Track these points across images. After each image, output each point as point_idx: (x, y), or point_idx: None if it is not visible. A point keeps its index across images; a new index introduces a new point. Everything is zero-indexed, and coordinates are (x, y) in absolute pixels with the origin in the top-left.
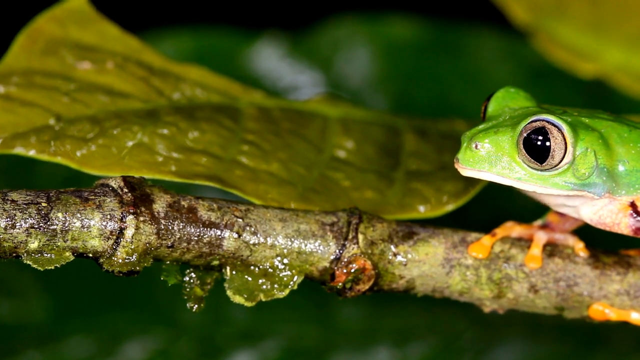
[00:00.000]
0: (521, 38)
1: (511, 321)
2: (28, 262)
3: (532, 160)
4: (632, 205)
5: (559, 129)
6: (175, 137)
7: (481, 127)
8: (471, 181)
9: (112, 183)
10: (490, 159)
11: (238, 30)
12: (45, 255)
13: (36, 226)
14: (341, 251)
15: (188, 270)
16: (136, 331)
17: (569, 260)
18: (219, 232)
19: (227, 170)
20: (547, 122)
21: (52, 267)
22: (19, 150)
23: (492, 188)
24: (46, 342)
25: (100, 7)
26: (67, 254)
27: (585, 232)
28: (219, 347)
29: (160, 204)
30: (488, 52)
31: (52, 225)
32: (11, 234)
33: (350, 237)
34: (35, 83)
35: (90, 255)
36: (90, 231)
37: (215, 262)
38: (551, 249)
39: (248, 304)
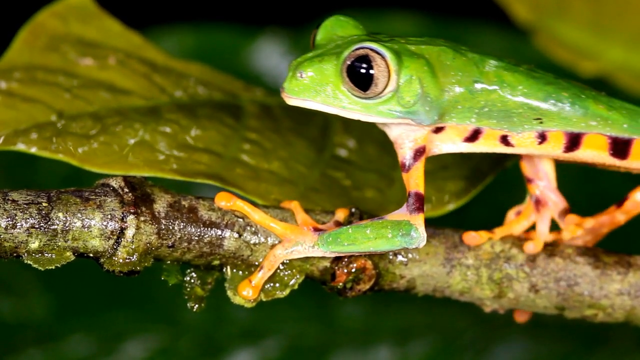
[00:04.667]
0: (522, 36)
1: (511, 321)
2: (29, 262)
3: (355, 88)
4: (437, 131)
5: (383, 57)
6: (176, 134)
7: (308, 55)
8: (472, 181)
9: (113, 183)
10: (315, 87)
11: (240, 28)
12: (46, 255)
13: (37, 226)
14: None
15: (189, 270)
16: (137, 330)
17: (570, 260)
18: (219, 232)
19: (228, 169)
20: (371, 49)
21: (53, 267)
22: (20, 146)
23: (494, 188)
24: (47, 341)
25: (103, 3)
26: (68, 253)
27: None
28: (220, 345)
29: (161, 204)
30: (489, 49)
31: (52, 225)
32: (12, 233)
33: None
34: (37, 79)
35: (91, 255)
36: (90, 231)
37: (216, 262)
38: (552, 249)
39: (248, 305)
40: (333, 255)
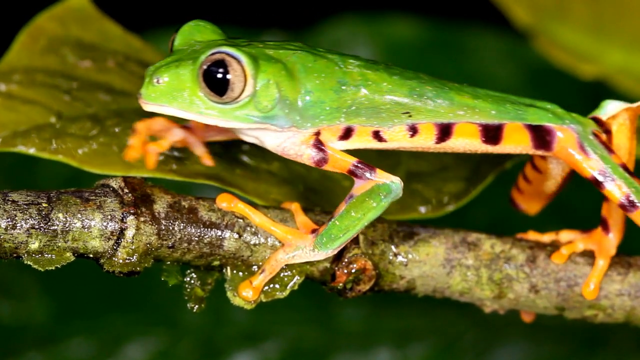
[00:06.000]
0: (522, 39)
1: (512, 321)
2: (29, 262)
3: (212, 93)
4: (317, 134)
5: (239, 61)
6: None
7: (165, 61)
8: (472, 181)
9: (113, 183)
10: (172, 93)
11: (240, 30)
12: (46, 255)
13: (37, 227)
14: (342, 251)
15: (189, 271)
16: (137, 332)
17: (570, 261)
18: (219, 233)
19: (227, 169)
20: (227, 54)
21: (53, 268)
22: (20, 148)
23: (494, 188)
24: (47, 344)
25: (102, 6)
26: (68, 254)
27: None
28: (219, 348)
29: (160, 205)
30: (489, 52)
31: (52, 225)
32: (12, 234)
33: None
34: (36, 81)
35: (91, 255)
36: (90, 232)
37: (216, 263)
38: (552, 249)
39: (248, 307)
40: (335, 252)
